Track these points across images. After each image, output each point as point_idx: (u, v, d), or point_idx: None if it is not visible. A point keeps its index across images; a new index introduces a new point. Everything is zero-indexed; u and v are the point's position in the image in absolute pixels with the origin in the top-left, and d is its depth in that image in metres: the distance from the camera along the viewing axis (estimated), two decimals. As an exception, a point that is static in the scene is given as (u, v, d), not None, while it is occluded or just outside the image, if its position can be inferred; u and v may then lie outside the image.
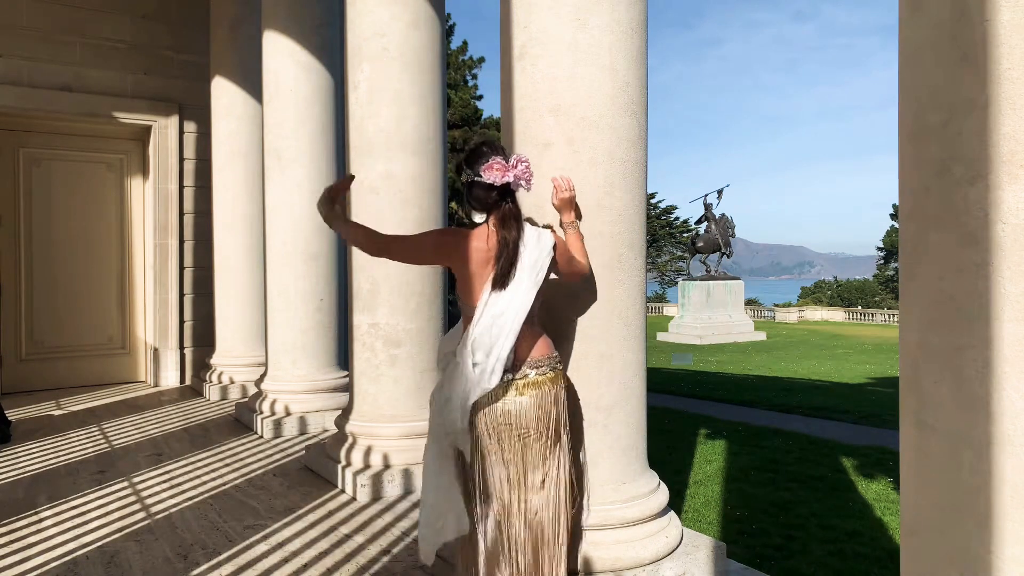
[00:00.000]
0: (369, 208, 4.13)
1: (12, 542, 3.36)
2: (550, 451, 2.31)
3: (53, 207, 7.52)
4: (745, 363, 18.09)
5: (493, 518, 2.28)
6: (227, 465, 4.66)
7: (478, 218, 2.38)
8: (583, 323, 2.65)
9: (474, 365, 2.23)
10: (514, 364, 2.28)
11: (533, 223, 2.43)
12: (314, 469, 4.47)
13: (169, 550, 3.25)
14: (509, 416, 2.26)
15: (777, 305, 48.59)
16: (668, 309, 39.99)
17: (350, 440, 4.18)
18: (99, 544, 3.33)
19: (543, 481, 2.30)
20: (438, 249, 2.45)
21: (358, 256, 4.22)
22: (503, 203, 2.31)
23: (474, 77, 26.26)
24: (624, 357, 2.70)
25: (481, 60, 26.24)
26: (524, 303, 2.26)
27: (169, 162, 7.71)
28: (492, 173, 2.26)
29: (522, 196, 2.45)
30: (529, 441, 2.28)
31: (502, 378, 2.25)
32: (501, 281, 2.26)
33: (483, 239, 2.31)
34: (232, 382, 6.96)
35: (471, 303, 2.31)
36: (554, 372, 2.35)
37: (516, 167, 2.29)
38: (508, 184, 2.29)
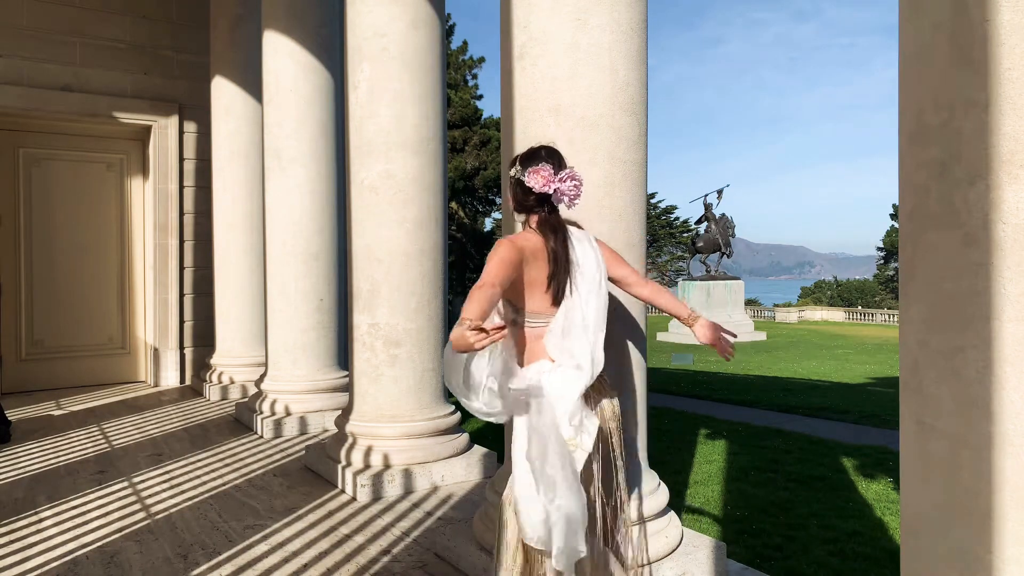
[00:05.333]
0: (369, 208, 4.14)
1: (12, 542, 3.36)
2: None
3: (53, 207, 7.52)
4: (745, 363, 18.08)
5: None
6: (227, 465, 4.65)
7: (518, 219, 2.35)
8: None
9: None
10: None
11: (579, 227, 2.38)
12: (314, 469, 4.47)
13: (169, 550, 3.25)
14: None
15: (777, 305, 48.62)
16: (668, 309, 39.89)
17: (350, 440, 4.18)
18: (99, 544, 3.33)
19: None
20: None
21: (358, 256, 4.22)
22: (540, 210, 2.27)
23: (474, 77, 26.27)
24: (627, 356, 2.70)
25: (481, 60, 26.25)
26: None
27: (169, 162, 7.71)
28: (534, 178, 2.22)
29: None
30: None
31: None
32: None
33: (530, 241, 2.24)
34: (232, 382, 6.96)
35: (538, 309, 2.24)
36: None
37: (564, 181, 2.23)
38: (547, 194, 2.24)
